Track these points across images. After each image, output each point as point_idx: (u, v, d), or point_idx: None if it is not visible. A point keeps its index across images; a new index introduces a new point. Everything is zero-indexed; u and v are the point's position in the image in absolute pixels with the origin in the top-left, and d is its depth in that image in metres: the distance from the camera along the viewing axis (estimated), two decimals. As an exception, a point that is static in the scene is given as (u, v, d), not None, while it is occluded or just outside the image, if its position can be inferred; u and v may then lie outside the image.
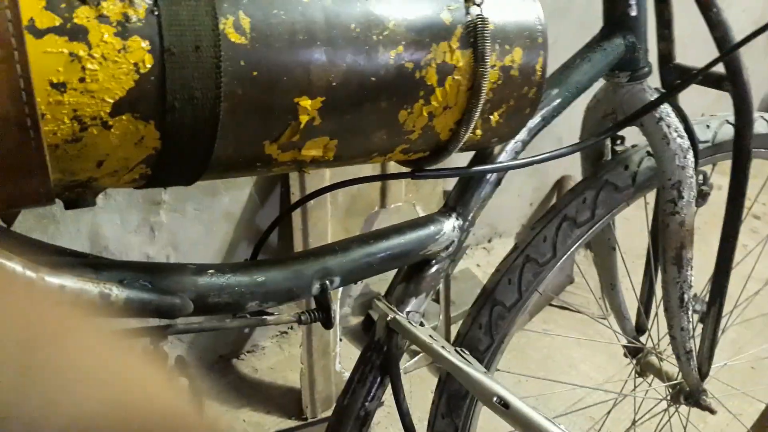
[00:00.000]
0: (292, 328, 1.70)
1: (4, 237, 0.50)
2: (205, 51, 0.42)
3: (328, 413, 1.50)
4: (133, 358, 0.20)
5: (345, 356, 1.60)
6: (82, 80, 0.40)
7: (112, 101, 0.41)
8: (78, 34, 0.39)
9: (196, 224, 1.30)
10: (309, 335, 1.45)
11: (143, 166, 0.47)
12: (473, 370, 0.61)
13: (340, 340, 1.59)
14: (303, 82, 0.48)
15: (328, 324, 0.62)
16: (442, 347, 0.64)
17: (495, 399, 0.58)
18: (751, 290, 1.21)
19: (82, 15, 0.39)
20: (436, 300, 1.71)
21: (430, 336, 0.66)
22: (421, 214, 1.63)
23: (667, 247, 0.80)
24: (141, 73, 0.41)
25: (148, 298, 0.51)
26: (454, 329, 1.77)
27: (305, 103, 0.49)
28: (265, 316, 0.61)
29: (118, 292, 0.49)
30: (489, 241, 2.10)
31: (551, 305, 1.87)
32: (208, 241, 1.37)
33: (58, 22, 0.38)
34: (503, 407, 0.57)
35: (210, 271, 0.58)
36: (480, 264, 2.03)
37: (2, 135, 0.38)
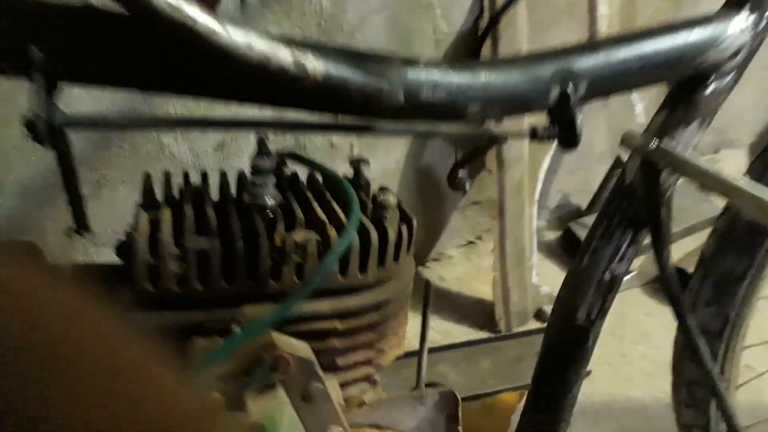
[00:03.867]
0: (480, 238, 1.57)
1: None
2: None
3: (524, 327, 1.36)
4: (149, 351, 0.17)
5: (541, 273, 1.44)
6: None
7: None
8: None
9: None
10: (502, 240, 1.30)
11: None
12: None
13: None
14: None
15: (570, 141, 0.47)
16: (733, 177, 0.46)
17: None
18: None
19: None
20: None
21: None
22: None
23: None
24: None
25: (351, 78, 0.40)
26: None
27: None
28: (492, 129, 0.47)
29: (316, 64, 0.38)
30: (716, 151, 1.76)
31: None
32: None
33: None
34: None
35: (422, 63, 0.45)
36: (702, 178, 1.71)
37: None
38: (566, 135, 0.48)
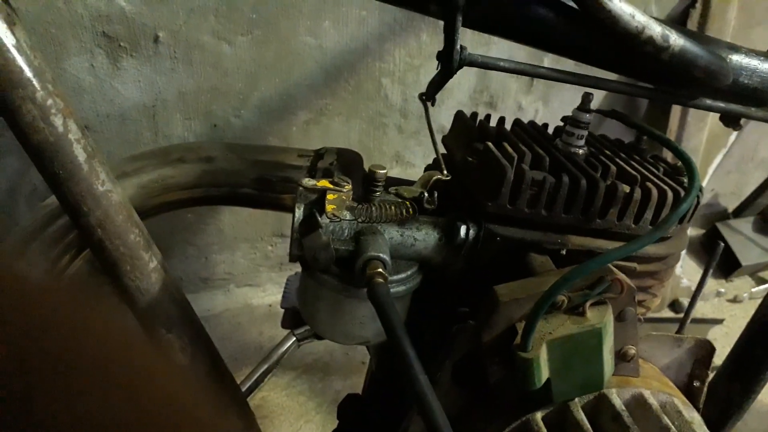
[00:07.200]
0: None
1: None
2: None
3: (657, 315, 1.39)
4: (147, 349, 0.18)
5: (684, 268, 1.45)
6: None
7: None
8: None
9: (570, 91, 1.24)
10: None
11: None
12: None
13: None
14: None
15: None
16: None
17: None
18: None
19: None
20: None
21: None
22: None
23: None
24: None
25: (701, 54, 0.46)
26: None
27: None
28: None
29: (676, 37, 0.45)
30: None
31: None
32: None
33: None
34: None
35: (743, 50, 0.50)
36: None
37: None
38: None
